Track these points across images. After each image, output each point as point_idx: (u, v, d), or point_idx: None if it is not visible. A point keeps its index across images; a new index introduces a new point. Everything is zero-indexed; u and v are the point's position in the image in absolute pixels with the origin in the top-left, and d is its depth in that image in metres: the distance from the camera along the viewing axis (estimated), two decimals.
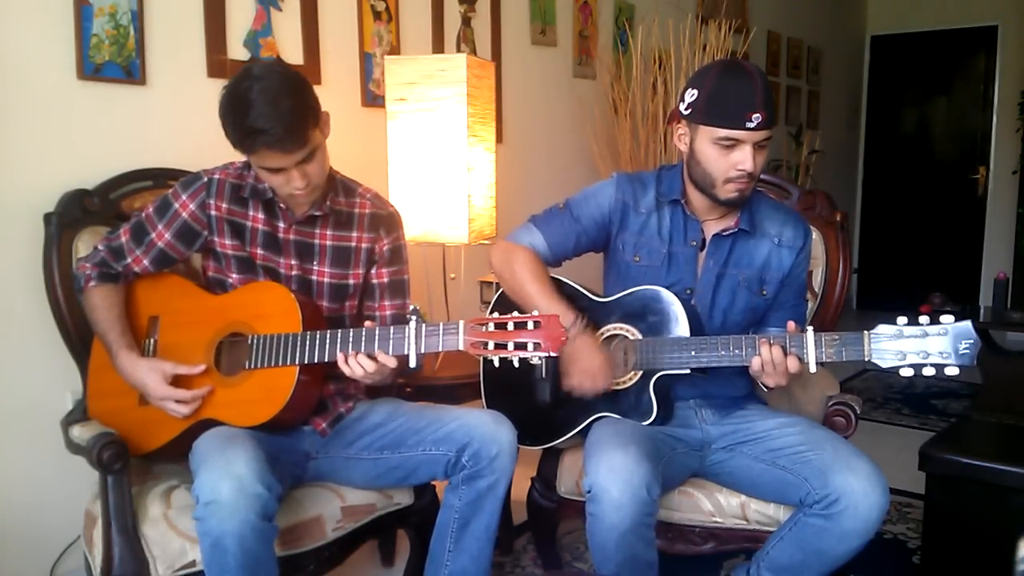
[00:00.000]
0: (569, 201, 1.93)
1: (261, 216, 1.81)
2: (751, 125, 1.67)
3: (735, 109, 1.68)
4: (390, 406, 1.90)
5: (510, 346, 1.54)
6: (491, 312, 2.05)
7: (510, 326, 1.54)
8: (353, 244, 1.86)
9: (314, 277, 1.84)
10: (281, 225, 1.82)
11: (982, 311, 4.26)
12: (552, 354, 1.52)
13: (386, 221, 1.90)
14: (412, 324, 1.63)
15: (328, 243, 1.84)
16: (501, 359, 1.55)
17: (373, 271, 1.89)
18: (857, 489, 1.61)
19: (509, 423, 1.79)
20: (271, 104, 1.59)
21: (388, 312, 1.90)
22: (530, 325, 1.53)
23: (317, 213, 1.81)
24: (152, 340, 1.83)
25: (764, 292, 1.87)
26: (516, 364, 1.55)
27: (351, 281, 1.87)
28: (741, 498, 1.85)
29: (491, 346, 1.55)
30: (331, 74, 2.64)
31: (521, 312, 1.83)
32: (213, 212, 1.80)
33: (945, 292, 4.06)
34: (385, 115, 2.48)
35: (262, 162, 1.67)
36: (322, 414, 1.85)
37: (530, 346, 1.52)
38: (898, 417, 3.95)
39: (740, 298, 1.86)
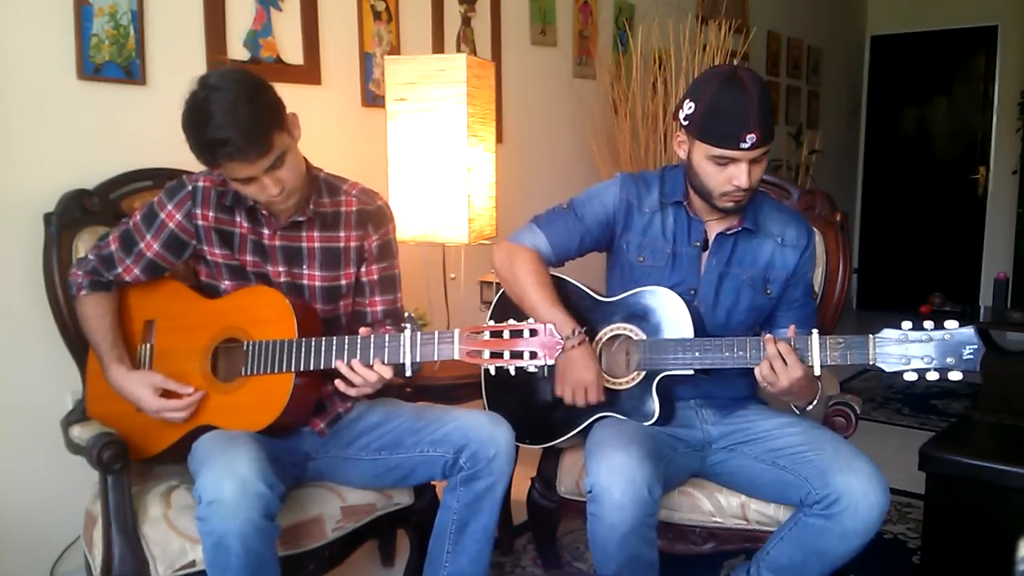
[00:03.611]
0: (573, 201, 1.93)
1: (246, 224, 1.78)
2: (745, 146, 1.66)
3: (729, 129, 1.66)
4: (388, 407, 1.90)
5: (506, 355, 1.53)
6: (492, 313, 2.05)
7: (506, 334, 1.54)
8: (342, 244, 1.83)
9: (304, 281, 1.81)
10: (266, 232, 1.79)
11: (982, 311, 4.27)
12: (548, 362, 1.52)
13: (373, 216, 1.86)
14: (407, 333, 1.62)
15: (316, 245, 1.81)
16: (497, 367, 1.55)
17: (363, 269, 1.87)
18: (857, 489, 1.62)
19: (507, 424, 1.78)
20: (228, 112, 1.54)
21: (379, 308, 1.88)
22: (526, 333, 1.53)
23: (300, 219, 1.77)
24: (148, 345, 1.83)
25: (768, 291, 1.87)
26: (512, 372, 1.55)
27: (343, 282, 1.84)
28: (741, 498, 1.85)
29: (487, 355, 1.55)
30: (331, 74, 2.64)
31: (521, 316, 1.84)
32: (200, 221, 1.77)
33: (945, 292, 4.07)
34: (385, 115, 2.48)
35: (230, 173, 1.63)
36: (320, 415, 1.84)
37: (526, 355, 1.52)
38: (898, 417, 3.95)
39: (744, 297, 1.86)
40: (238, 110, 1.55)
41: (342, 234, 1.83)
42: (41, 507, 2.07)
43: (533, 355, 1.52)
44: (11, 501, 2.03)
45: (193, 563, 1.65)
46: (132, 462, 1.70)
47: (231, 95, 1.56)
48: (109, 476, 1.64)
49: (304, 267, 1.81)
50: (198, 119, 1.57)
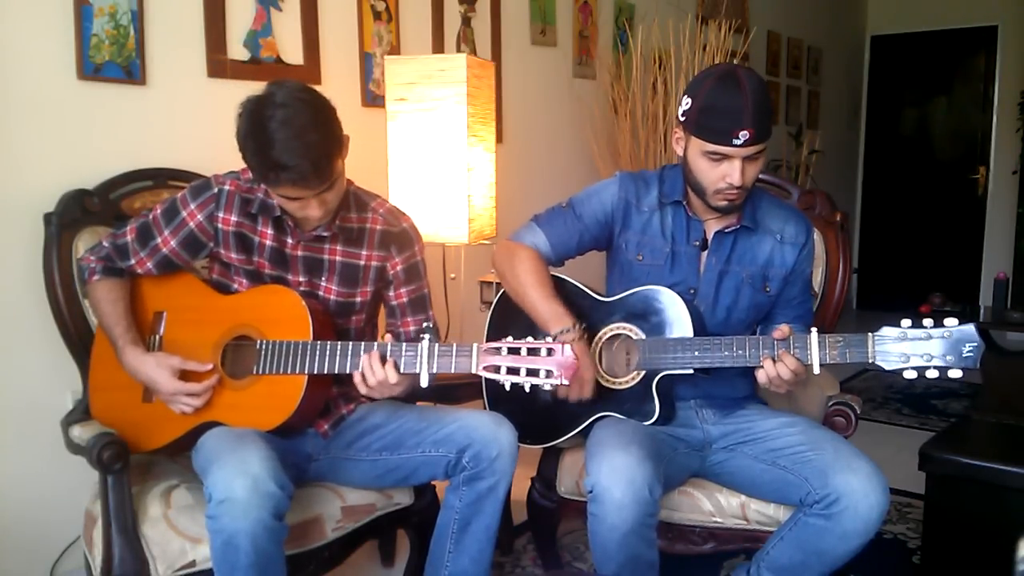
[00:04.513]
0: (572, 199, 1.93)
1: (270, 232, 1.77)
2: (738, 142, 1.66)
3: (723, 125, 1.66)
4: (390, 407, 1.89)
5: (522, 371, 1.54)
6: (492, 313, 2.05)
7: (523, 351, 1.54)
8: (362, 262, 1.83)
9: (320, 293, 1.81)
10: (289, 241, 1.78)
11: (982, 311, 4.27)
12: (564, 382, 1.53)
13: (398, 239, 1.85)
14: (425, 343, 1.62)
15: (337, 259, 1.81)
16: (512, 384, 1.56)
17: (391, 292, 1.87)
18: (857, 489, 1.62)
19: (509, 424, 1.78)
20: (296, 138, 1.52)
21: (412, 328, 1.88)
22: (543, 352, 1.53)
23: (325, 233, 1.76)
24: (157, 336, 1.82)
25: (767, 289, 1.87)
26: (527, 390, 1.55)
27: (358, 299, 1.84)
28: (741, 498, 1.85)
29: (504, 371, 1.55)
30: (331, 74, 2.64)
31: (521, 316, 1.84)
32: (220, 225, 1.76)
33: (945, 292, 4.07)
34: (385, 115, 2.48)
35: (281, 192, 1.62)
36: (325, 416, 1.84)
37: (542, 373, 1.53)
38: (898, 417, 3.95)
39: (744, 295, 1.86)
40: (307, 137, 1.53)
41: (364, 252, 1.83)
42: (41, 507, 2.07)
43: (549, 373, 1.53)
44: (11, 501, 2.03)
45: (193, 563, 1.65)
46: (132, 459, 1.69)
47: (299, 119, 1.53)
48: (109, 476, 1.64)
49: (323, 279, 1.81)
50: (263, 139, 1.54)
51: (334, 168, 1.61)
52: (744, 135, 1.66)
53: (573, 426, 1.87)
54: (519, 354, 1.55)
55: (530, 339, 1.56)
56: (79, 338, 1.91)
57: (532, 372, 1.53)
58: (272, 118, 1.53)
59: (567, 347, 1.53)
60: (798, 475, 1.70)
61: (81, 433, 1.74)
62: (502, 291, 2.01)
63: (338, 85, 2.66)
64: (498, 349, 1.56)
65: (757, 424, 1.84)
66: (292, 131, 1.53)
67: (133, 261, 1.80)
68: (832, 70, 6.09)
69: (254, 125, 1.55)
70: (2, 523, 2.02)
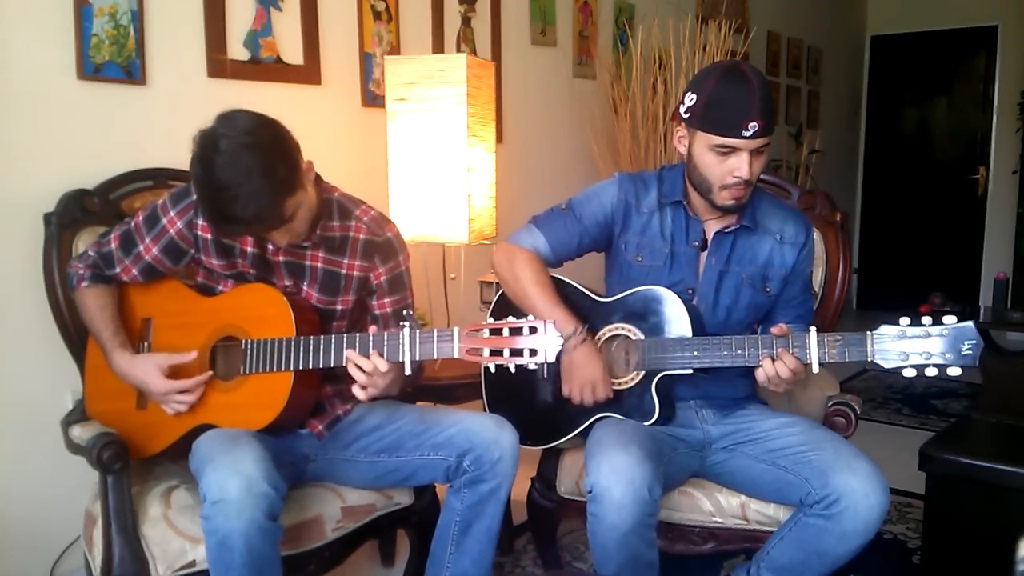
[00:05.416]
0: (571, 201, 1.93)
1: (250, 238, 1.77)
2: (747, 134, 1.67)
3: (732, 117, 1.67)
4: (388, 408, 1.89)
5: (506, 353, 1.53)
6: (492, 313, 2.05)
7: (505, 332, 1.53)
8: (344, 271, 1.80)
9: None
10: (270, 247, 1.77)
11: (982, 311, 4.26)
12: (549, 360, 1.52)
13: (382, 248, 1.82)
14: (406, 331, 1.62)
15: (319, 266, 1.79)
16: (498, 366, 1.55)
17: (374, 302, 1.85)
18: (857, 489, 1.62)
19: (511, 427, 1.78)
20: (241, 184, 1.49)
21: None
22: (526, 331, 1.52)
23: (306, 244, 1.76)
24: (145, 343, 1.82)
25: (767, 289, 1.87)
26: (512, 370, 1.55)
27: (338, 307, 1.82)
28: (741, 498, 1.85)
29: (487, 353, 1.54)
30: (331, 74, 2.64)
31: (522, 316, 1.83)
32: (200, 232, 1.75)
33: (945, 292, 4.06)
34: (385, 115, 2.48)
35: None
36: (319, 416, 1.84)
37: (526, 352, 1.52)
38: (898, 417, 3.95)
39: (744, 295, 1.86)
40: (253, 183, 1.50)
41: (346, 261, 1.81)
42: (41, 507, 2.07)
43: (533, 352, 1.51)
44: (11, 501, 2.03)
45: (193, 563, 1.65)
46: (132, 462, 1.69)
47: (243, 166, 1.50)
48: (109, 476, 1.64)
49: (305, 284, 1.80)
50: (208, 189, 1.53)
51: (283, 211, 1.58)
52: (753, 126, 1.66)
53: (573, 427, 1.87)
54: (501, 335, 1.53)
55: (511, 318, 1.55)
56: (79, 338, 1.91)
57: (516, 352, 1.52)
58: (215, 165, 1.51)
59: (550, 324, 1.52)
60: (798, 475, 1.70)
61: (81, 433, 1.74)
62: (502, 291, 2.01)
63: (338, 85, 2.66)
64: (480, 331, 1.55)
65: (757, 424, 1.84)
66: (237, 177, 1.50)
67: (119, 269, 1.80)
68: (832, 70, 6.09)
69: (200, 171, 1.53)
70: (2, 523, 2.02)
